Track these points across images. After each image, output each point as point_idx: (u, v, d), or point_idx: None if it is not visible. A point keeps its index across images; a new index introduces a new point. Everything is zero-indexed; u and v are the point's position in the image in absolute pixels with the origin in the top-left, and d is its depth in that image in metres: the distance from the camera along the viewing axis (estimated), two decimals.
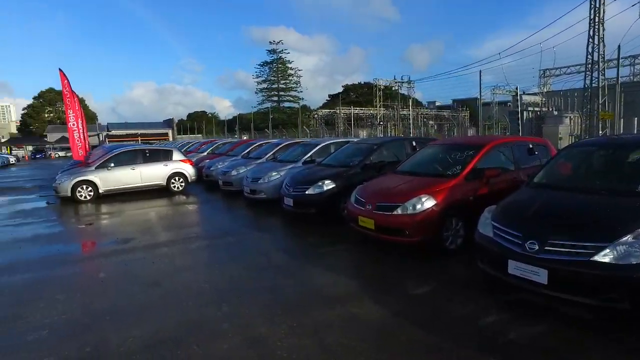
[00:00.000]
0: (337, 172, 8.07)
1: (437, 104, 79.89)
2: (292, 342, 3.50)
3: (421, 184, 5.91)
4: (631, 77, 37.12)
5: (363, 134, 46.58)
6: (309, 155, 10.24)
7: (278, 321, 3.89)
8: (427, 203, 5.52)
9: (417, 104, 58.20)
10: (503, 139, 7.15)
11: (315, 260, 5.82)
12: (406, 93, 47.08)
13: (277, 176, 9.61)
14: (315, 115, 59.01)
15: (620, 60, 19.52)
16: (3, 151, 54.50)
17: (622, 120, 19.47)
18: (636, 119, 22.50)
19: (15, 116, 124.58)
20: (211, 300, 4.45)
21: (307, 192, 7.75)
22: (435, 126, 55.17)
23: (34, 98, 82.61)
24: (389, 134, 47.60)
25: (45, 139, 66.23)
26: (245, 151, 14.08)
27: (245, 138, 48.00)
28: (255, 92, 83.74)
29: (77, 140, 16.44)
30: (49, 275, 5.59)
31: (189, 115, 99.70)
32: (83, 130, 17.74)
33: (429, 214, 5.48)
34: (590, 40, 18.46)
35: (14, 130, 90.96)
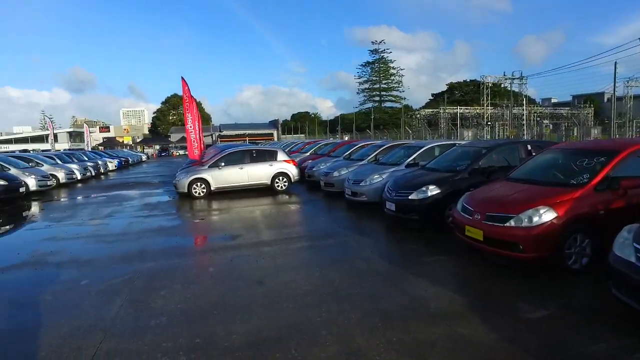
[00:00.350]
0: (442, 176, 7.65)
1: (553, 100, 72.69)
2: (391, 358, 3.34)
3: (539, 194, 5.30)
4: None
5: (468, 134, 44.14)
6: (412, 158, 9.91)
7: (377, 333, 3.76)
8: (546, 215, 4.92)
9: (530, 101, 53.35)
10: None
11: (418, 269, 5.56)
12: (517, 90, 43.40)
13: (379, 179, 9.47)
14: (418, 115, 57.44)
15: None
16: (137, 150, 62.53)
17: None
18: None
19: (147, 119, 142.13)
20: (311, 304, 4.48)
21: (410, 197, 7.47)
22: (551, 126, 49.96)
23: (162, 103, 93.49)
24: (496, 135, 44.44)
25: (169, 139, 74.50)
26: (347, 152, 14.17)
27: (346, 138, 48.61)
28: (357, 93, 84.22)
29: (193, 141, 18.02)
30: (169, 265, 6.17)
31: (293, 116, 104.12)
32: (199, 132, 19.48)
33: (547, 227, 4.89)
34: None
35: (146, 131, 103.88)
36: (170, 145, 70.07)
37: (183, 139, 70.85)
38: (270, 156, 13.82)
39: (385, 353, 3.42)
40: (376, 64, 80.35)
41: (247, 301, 4.64)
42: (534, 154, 7.70)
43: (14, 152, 25.21)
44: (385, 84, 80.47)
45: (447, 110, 54.05)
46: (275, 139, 70.92)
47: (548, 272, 5.04)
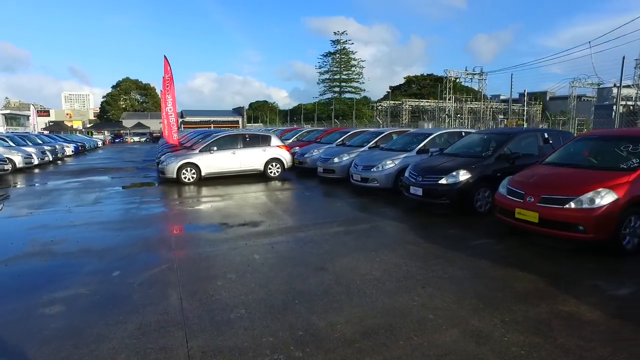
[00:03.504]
0: (470, 162, 7.68)
1: (502, 97, 76.70)
2: (519, 338, 3.23)
3: (595, 177, 5.41)
4: None
5: (429, 126, 45.51)
6: (422, 144, 9.88)
7: (485, 315, 3.65)
8: (607, 198, 5.04)
9: (482, 97, 56.37)
10: None
11: (473, 252, 5.47)
12: (477, 87, 45.25)
13: (392, 165, 9.41)
14: (379, 107, 58.25)
15: None
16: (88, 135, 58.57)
17: None
18: None
19: (92, 104, 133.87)
20: (395, 289, 4.28)
21: (440, 182, 7.43)
22: (505, 120, 52.76)
23: (112, 87, 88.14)
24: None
25: (122, 124, 70.56)
26: (340, 139, 13.93)
27: (308, 127, 48.35)
28: (317, 83, 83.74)
29: (173, 125, 17.05)
30: (204, 253, 5.68)
31: (251, 105, 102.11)
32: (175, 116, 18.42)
33: (608, 209, 5.00)
34: None
35: (92, 116, 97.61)
36: (123, 131, 66.33)
37: (138, 125, 67.58)
38: (263, 141, 13.29)
39: (510, 333, 3.31)
40: (337, 55, 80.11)
41: (323, 288, 4.34)
42: (551, 141, 7.94)
43: None
44: (345, 75, 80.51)
45: (408, 103, 55.21)
46: (241, 126, 69.35)
47: (601, 252, 5.21)
